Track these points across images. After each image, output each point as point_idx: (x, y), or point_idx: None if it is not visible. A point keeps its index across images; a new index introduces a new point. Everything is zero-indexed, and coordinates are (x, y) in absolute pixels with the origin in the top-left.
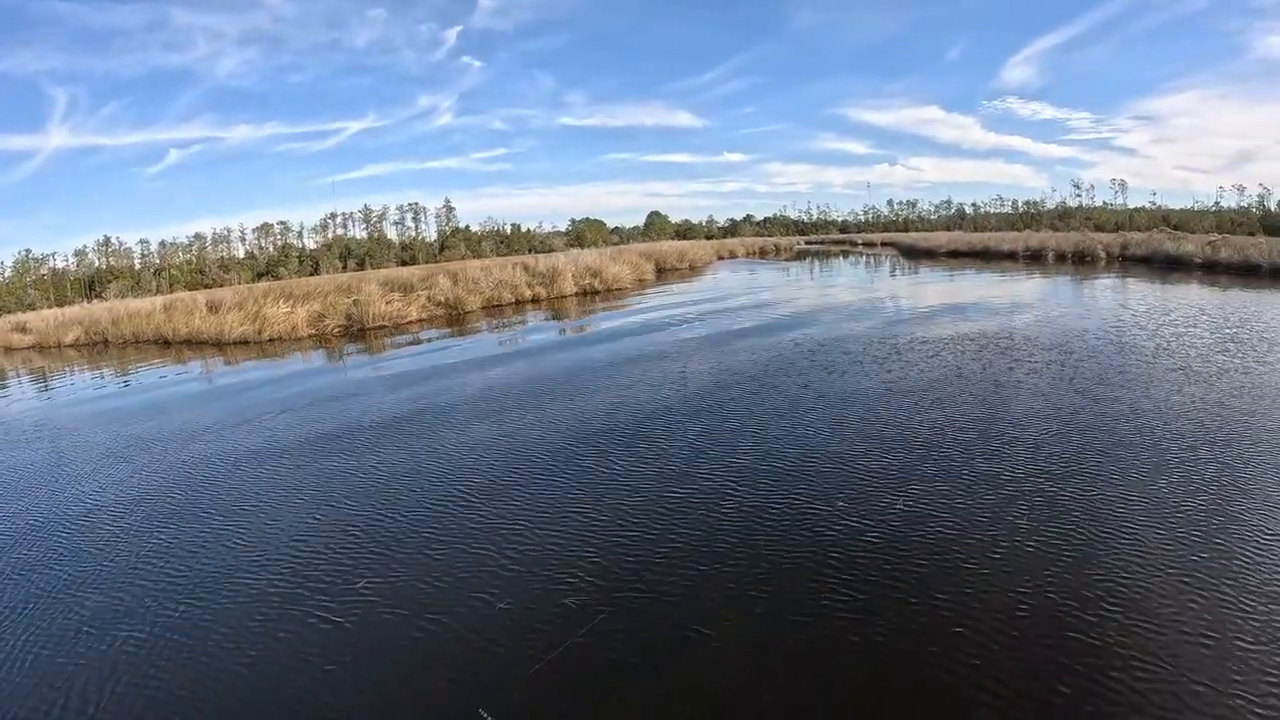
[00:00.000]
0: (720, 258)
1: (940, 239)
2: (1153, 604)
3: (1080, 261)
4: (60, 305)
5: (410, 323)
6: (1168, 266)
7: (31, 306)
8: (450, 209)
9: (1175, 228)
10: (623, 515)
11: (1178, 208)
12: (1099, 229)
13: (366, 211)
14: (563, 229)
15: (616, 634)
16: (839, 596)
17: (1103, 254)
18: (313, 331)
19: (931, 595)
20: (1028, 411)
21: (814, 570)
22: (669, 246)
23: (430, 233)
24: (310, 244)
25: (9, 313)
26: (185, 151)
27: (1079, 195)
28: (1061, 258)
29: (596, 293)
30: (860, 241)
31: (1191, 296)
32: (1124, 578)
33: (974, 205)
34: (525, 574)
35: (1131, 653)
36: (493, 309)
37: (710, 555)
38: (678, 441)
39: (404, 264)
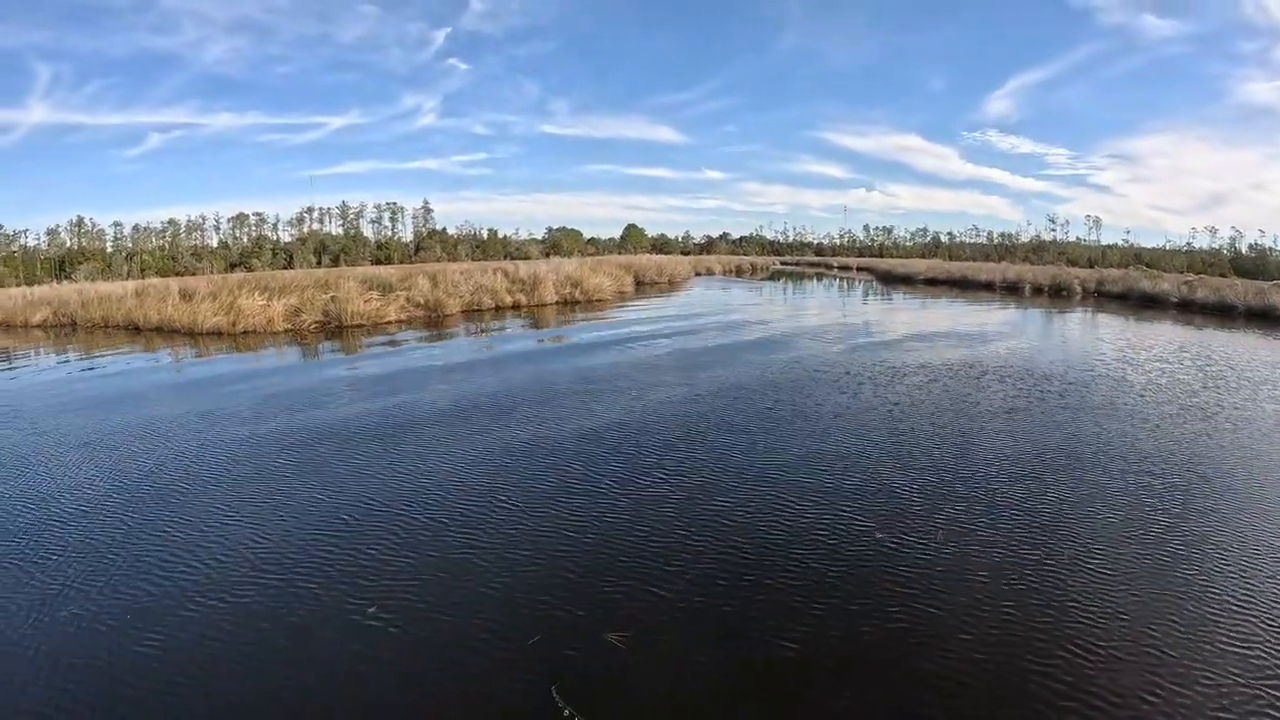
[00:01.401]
0: (697, 274)
1: (918, 266)
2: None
3: (1056, 295)
4: (30, 284)
5: (389, 323)
6: (1143, 304)
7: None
8: (428, 210)
9: (1148, 265)
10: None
11: (1150, 246)
12: (1072, 264)
13: (344, 208)
14: (539, 236)
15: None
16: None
17: (1079, 289)
18: (288, 326)
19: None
20: (1032, 449)
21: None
22: (648, 260)
23: (407, 233)
24: (285, 237)
25: None
26: (166, 136)
27: (1054, 230)
28: (1038, 290)
29: (577, 303)
30: (836, 265)
31: (1170, 334)
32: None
33: (950, 234)
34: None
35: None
36: (472, 313)
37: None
38: (706, 457)
39: (379, 263)
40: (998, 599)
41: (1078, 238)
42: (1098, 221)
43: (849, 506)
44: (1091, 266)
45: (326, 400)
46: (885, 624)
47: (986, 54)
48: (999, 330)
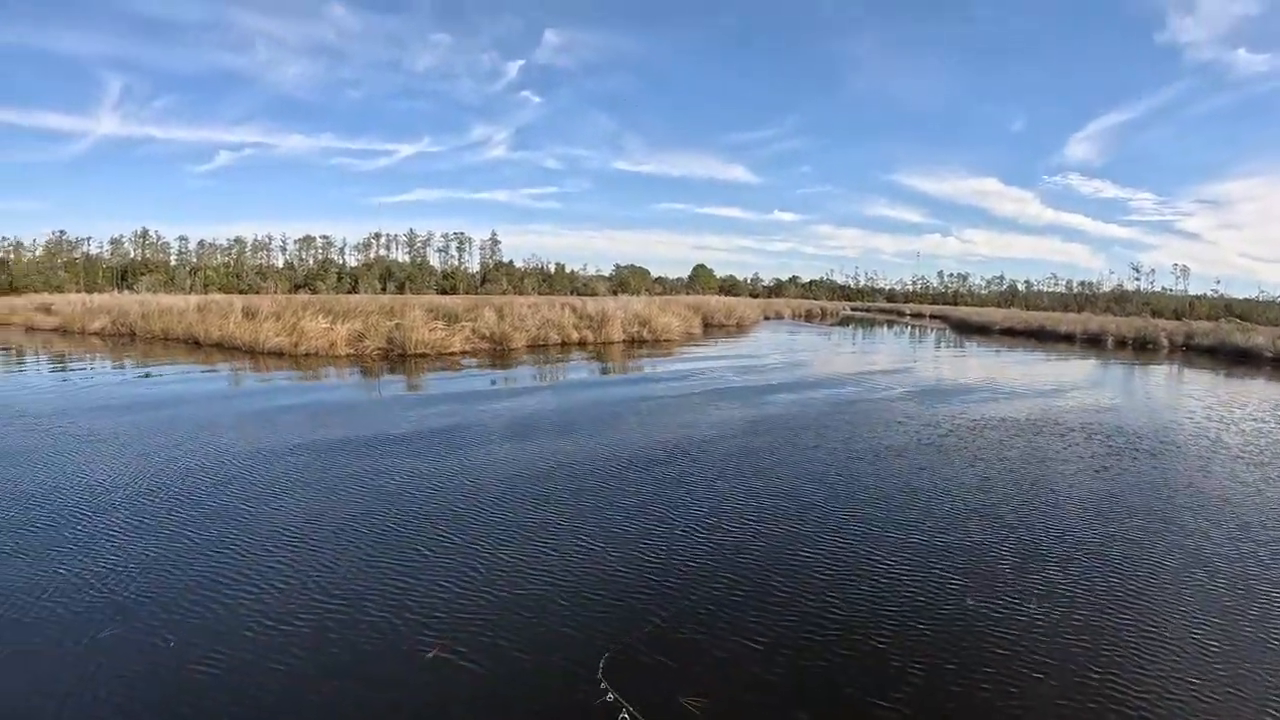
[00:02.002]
0: (766, 317)
1: (994, 315)
2: None
3: (1141, 348)
4: (90, 291)
5: (453, 353)
6: (1235, 359)
7: (59, 289)
8: (496, 242)
9: (1239, 318)
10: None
11: (1242, 297)
12: (1157, 315)
13: (411, 235)
14: (607, 273)
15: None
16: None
17: (1165, 342)
18: (351, 351)
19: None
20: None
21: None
22: (716, 302)
23: (473, 264)
24: (351, 261)
25: (35, 292)
26: (235, 154)
27: (1137, 279)
28: (1121, 343)
29: (644, 342)
30: (909, 312)
31: (1266, 392)
32: None
33: (1027, 283)
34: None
35: None
36: (538, 348)
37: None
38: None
39: (444, 292)
40: (1093, 669)
41: (1163, 287)
42: (1185, 270)
43: (937, 564)
44: (1178, 318)
45: (392, 428)
46: (976, 692)
47: (1069, 94)
48: (1082, 384)
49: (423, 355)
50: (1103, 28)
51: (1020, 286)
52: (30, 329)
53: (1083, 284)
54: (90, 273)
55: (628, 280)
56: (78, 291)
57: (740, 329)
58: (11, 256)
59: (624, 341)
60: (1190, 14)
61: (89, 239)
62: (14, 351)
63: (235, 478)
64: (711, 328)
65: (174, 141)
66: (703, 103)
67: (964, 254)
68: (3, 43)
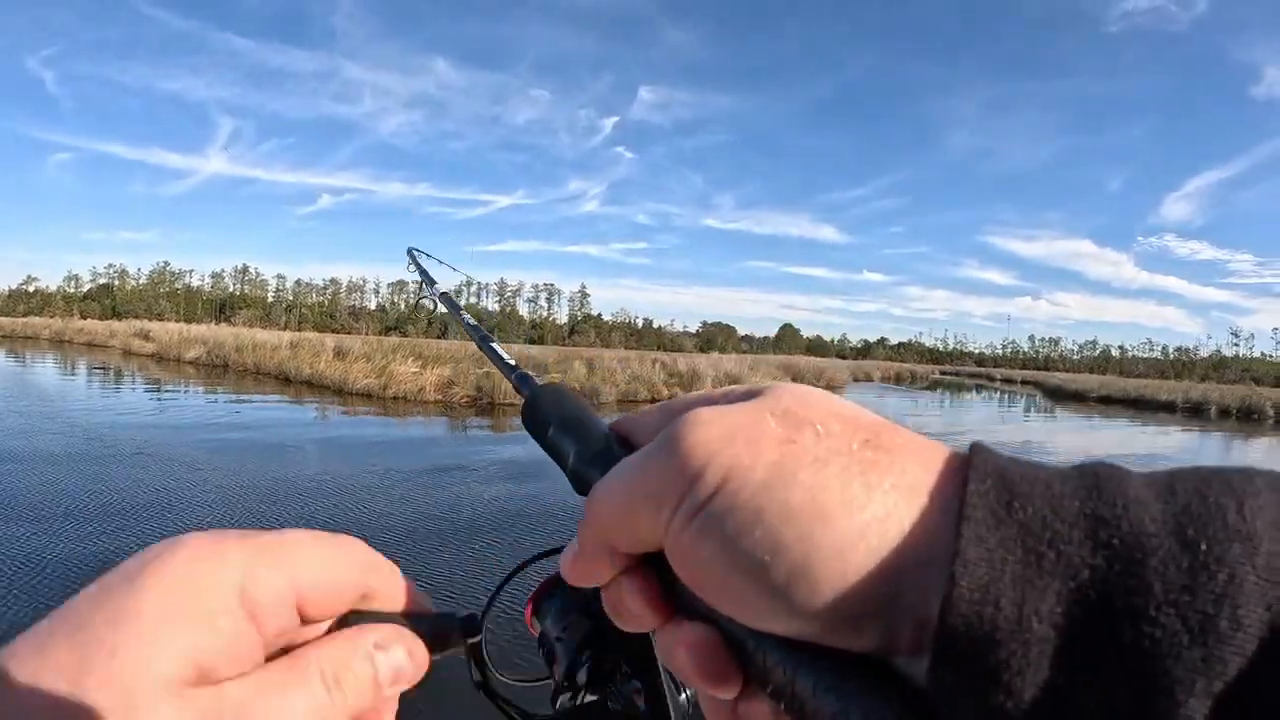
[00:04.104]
0: (855, 379)
1: (1090, 382)
2: None
3: (1245, 418)
4: (188, 321)
5: None
6: None
7: (160, 317)
8: (585, 294)
9: None
10: None
11: None
12: (1257, 382)
13: (502, 285)
14: (693, 329)
15: None
16: None
17: (1271, 411)
18: (439, 397)
19: None
20: None
21: None
22: (806, 363)
23: (562, 315)
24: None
25: (136, 318)
26: (337, 198)
27: (1236, 344)
28: (1225, 413)
29: None
30: (999, 377)
31: None
32: None
33: (1121, 348)
34: None
35: None
36: (627, 403)
37: None
38: None
39: (532, 342)
40: None
41: (1263, 353)
42: None
43: None
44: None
45: (484, 482)
46: None
47: (1166, 153)
48: (1184, 459)
49: (511, 405)
50: (1200, 84)
51: (1114, 352)
52: (128, 353)
53: (1179, 349)
54: (190, 303)
55: (714, 337)
56: (177, 321)
57: (830, 391)
58: (116, 283)
59: None
60: None
61: (191, 271)
62: (110, 373)
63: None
64: None
65: (278, 183)
66: (794, 162)
67: (1055, 317)
68: (128, 83)
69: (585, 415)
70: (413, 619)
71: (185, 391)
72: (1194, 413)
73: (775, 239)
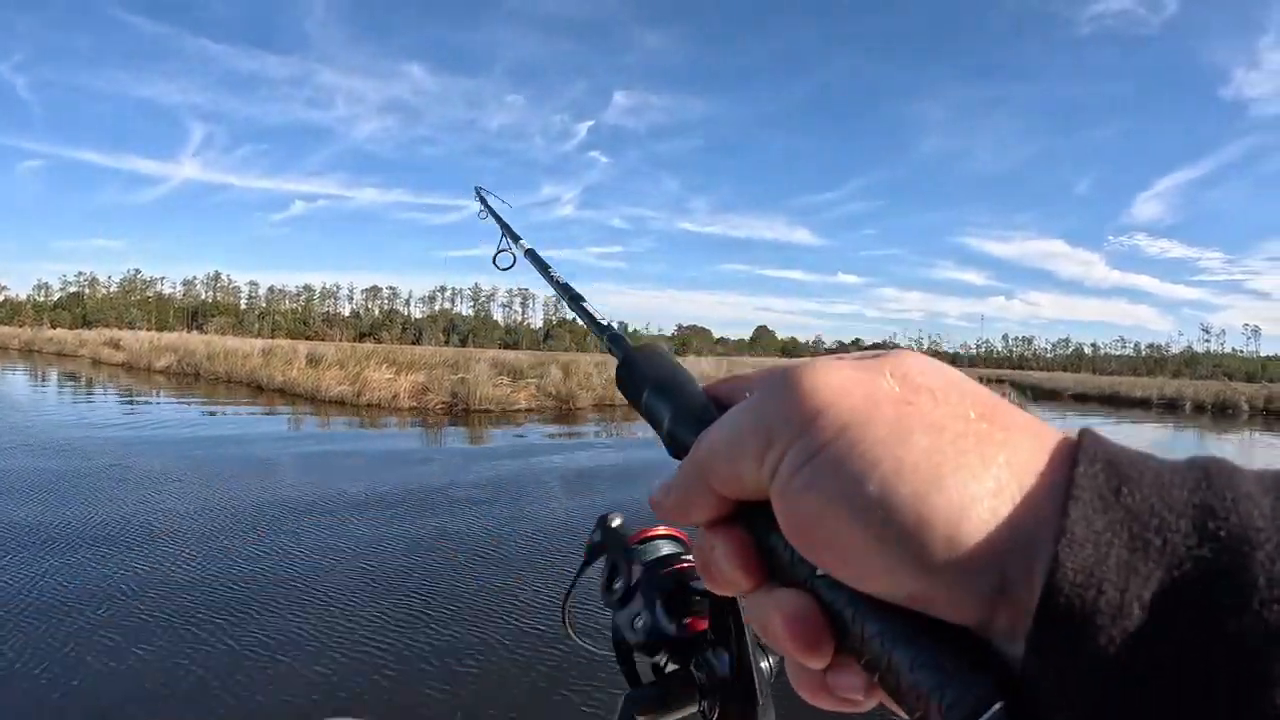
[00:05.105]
0: None
1: (1065, 380)
2: None
3: (1220, 413)
4: (160, 329)
5: (518, 411)
6: None
7: (131, 325)
8: (560, 299)
9: None
10: None
11: None
12: (1229, 377)
13: (476, 290)
14: (669, 333)
15: None
16: None
17: (1245, 406)
18: (414, 404)
19: None
20: None
21: None
22: (783, 364)
23: (537, 319)
24: (416, 313)
25: (107, 326)
26: (310, 204)
27: (1208, 340)
28: (1200, 408)
29: None
30: (976, 377)
31: None
32: None
33: (1094, 345)
34: None
35: None
36: (604, 407)
37: None
38: None
39: (507, 347)
40: None
41: (1234, 348)
42: (1256, 331)
43: None
44: (1250, 380)
45: (465, 497)
46: None
47: (1136, 153)
48: (1171, 453)
49: (486, 411)
50: (1169, 86)
51: (1087, 350)
52: (97, 362)
53: (1151, 346)
54: (162, 311)
55: (689, 340)
56: (149, 329)
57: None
58: (87, 291)
59: None
60: (1255, 68)
61: (163, 279)
62: (77, 383)
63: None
64: None
65: (251, 189)
66: (768, 165)
67: (1028, 316)
68: (99, 89)
69: (682, 377)
70: None
71: (153, 402)
72: (1169, 408)
73: (750, 242)
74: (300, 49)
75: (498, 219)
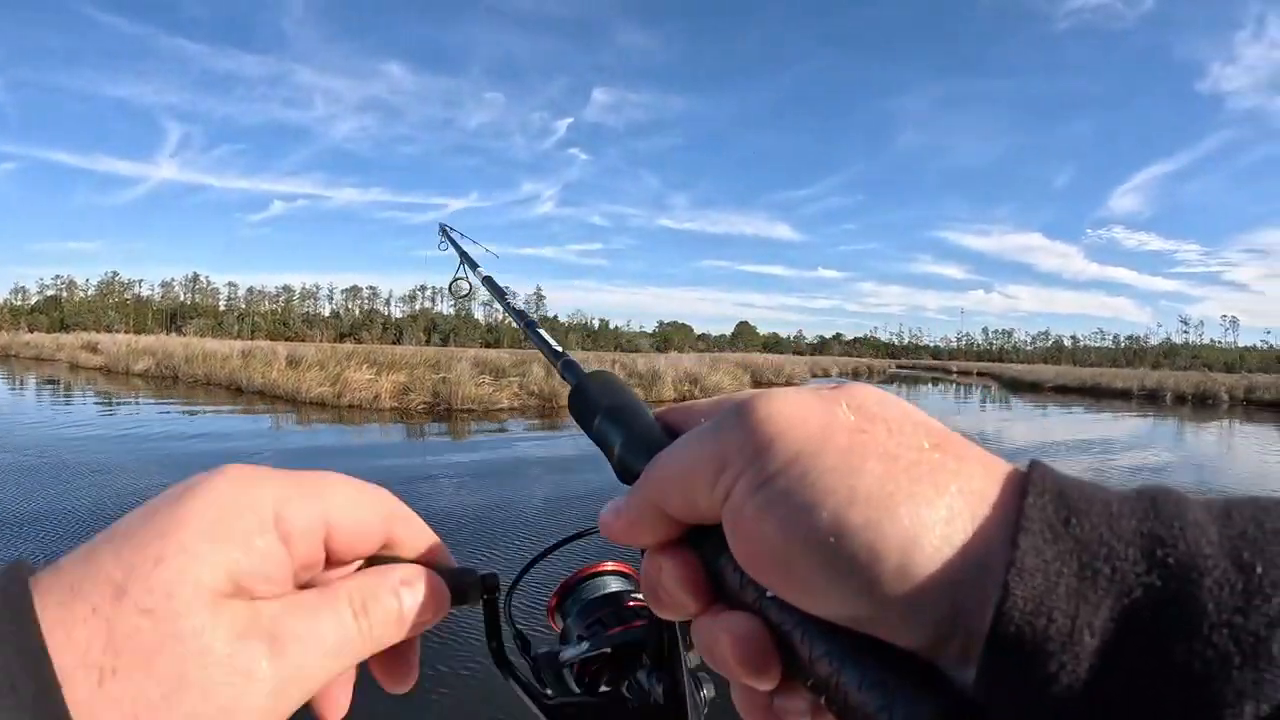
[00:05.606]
0: (814, 375)
1: (1046, 372)
2: None
3: (1201, 404)
4: (138, 332)
5: (500, 410)
6: None
7: (109, 328)
8: (540, 297)
9: None
10: None
11: None
12: (1208, 368)
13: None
14: (650, 329)
15: None
16: None
17: (1225, 397)
18: (395, 404)
19: None
20: None
21: None
22: (764, 360)
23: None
24: (397, 313)
25: (85, 330)
26: (289, 204)
27: (1186, 331)
28: (1180, 399)
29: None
30: (955, 370)
31: None
32: None
33: (1073, 338)
34: None
35: None
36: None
37: None
38: None
39: (488, 345)
40: None
41: (1212, 339)
42: (1234, 321)
43: None
44: (1229, 370)
45: (448, 495)
46: None
47: (1113, 147)
48: (1153, 445)
49: (469, 411)
50: (1146, 81)
51: (1066, 342)
52: (75, 366)
53: (1130, 338)
54: (140, 314)
55: (671, 336)
56: (127, 332)
57: (790, 386)
58: (64, 294)
59: (676, 400)
60: (1231, 62)
61: (141, 281)
62: (53, 388)
63: None
64: (761, 385)
65: (230, 190)
66: (748, 161)
67: (1008, 310)
68: (75, 89)
69: (633, 404)
70: (435, 569)
71: (130, 405)
72: (1150, 399)
73: (730, 238)
74: (277, 48)
75: (456, 247)
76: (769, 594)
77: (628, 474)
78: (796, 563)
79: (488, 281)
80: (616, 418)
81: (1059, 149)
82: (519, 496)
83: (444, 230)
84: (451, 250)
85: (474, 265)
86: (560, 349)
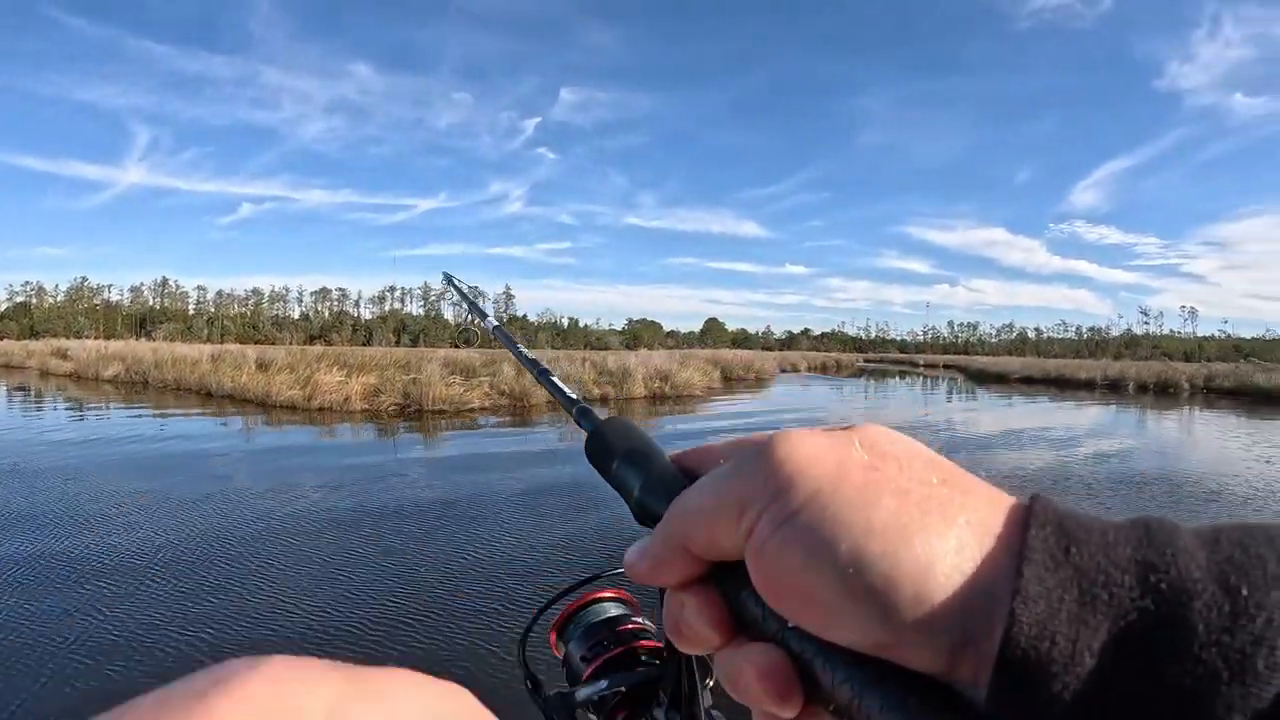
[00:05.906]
0: (783, 370)
1: (1011, 364)
2: None
3: (1162, 392)
4: (108, 338)
5: (471, 410)
6: (1257, 400)
7: (79, 334)
8: (510, 296)
9: (1247, 357)
10: None
11: (1250, 336)
12: (1168, 358)
13: (426, 289)
14: (619, 327)
15: None
16: None
17: (1186, 385)
18: (366, 406)
19: None
20: None
21: None
22: (734, 356)
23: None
24: (366, 314)
25: (55, 336)
26: (258, 207)
27: (1146, 322)
28: (1143, 388)
29: (666, 397)
30: (922, 363)
31: None
32: None
33: (1037, 330)
34: None
35: None
36: (559, 405)
37: None
38: None
39: (457, 346)
40: None
41: (1172, 330)
42: (1193, 312)
43: None
44: (1188, 359)
45: (417, 500)
46: None
47: (1073, 143)
48: (1117, 432)
49: (440, 412)
50: (1105, 79)
51: (1030, 334)
52: (45, 373)
53: (1092, 329)
54: (110, 320)
55: (640, 334)
56: (97, 338)
57: (759, 382)
58: (33, 301)
59: (646, 397)
60: (1188, 61)
61: (110, 286)
62: (23, 395)
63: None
64: (730, 381)
65: (198, 193)
66: (715, 159)
67: (973, 303)
68: (40, 93)
69: (651, 447)
70: None
71: (99, 410)
72: (1112, 389)
73: (698, 235)
74: (244, 49)
75: (463, 295)
76: (790, 624)
77: (647, 516)
78: (817, 593)
79: (498, 330)
80: (634, 461)
81: (1021, 146)
82: (491, 492)
83: (449, 280)
84: (460, 299)
85: (482, 315)
86: (575, 395)
